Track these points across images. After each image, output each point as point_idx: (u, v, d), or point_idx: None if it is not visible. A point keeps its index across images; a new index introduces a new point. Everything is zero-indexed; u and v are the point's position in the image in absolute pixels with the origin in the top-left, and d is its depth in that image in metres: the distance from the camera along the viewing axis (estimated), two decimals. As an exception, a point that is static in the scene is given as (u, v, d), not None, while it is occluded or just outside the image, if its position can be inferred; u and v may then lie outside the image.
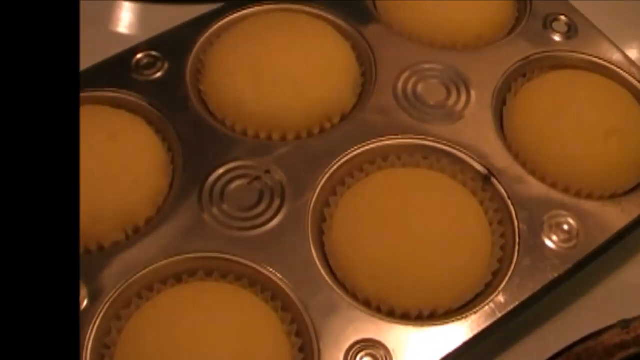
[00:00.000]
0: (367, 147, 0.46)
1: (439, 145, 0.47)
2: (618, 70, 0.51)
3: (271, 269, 0.41)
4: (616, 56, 0.51)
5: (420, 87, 0.49)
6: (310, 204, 0.44)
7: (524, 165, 0.47)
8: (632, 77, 0.50)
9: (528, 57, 0.51)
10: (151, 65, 0.49)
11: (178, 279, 0.42)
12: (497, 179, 0.45)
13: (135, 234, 0.43)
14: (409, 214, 0.43)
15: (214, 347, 0.38)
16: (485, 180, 0.45)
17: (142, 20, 0.60)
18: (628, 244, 0.47)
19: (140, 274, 0.41)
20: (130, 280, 0.41)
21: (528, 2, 0.55)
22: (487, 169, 0.46)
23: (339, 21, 0.52)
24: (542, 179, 0.46)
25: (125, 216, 0.43)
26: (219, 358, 0.38)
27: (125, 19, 0.60)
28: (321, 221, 0.44)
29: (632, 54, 0.54)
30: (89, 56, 0.47)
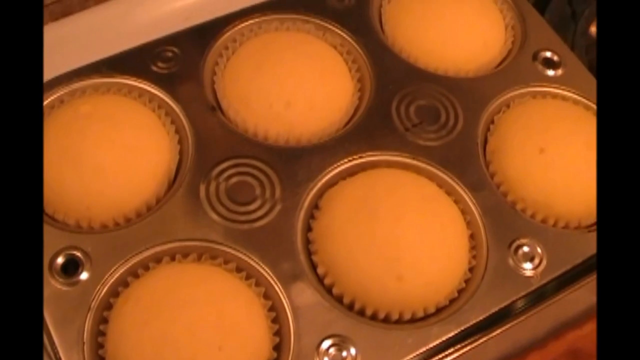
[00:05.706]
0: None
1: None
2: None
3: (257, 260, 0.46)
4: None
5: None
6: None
7: (498, 185, 0.51)
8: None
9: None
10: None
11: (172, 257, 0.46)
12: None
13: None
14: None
15: (198, 318, 0.42)
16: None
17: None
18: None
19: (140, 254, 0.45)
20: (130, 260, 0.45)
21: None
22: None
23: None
24: (513, 203, 0.50)
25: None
26: (202, 327, 0.42)
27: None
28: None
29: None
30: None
